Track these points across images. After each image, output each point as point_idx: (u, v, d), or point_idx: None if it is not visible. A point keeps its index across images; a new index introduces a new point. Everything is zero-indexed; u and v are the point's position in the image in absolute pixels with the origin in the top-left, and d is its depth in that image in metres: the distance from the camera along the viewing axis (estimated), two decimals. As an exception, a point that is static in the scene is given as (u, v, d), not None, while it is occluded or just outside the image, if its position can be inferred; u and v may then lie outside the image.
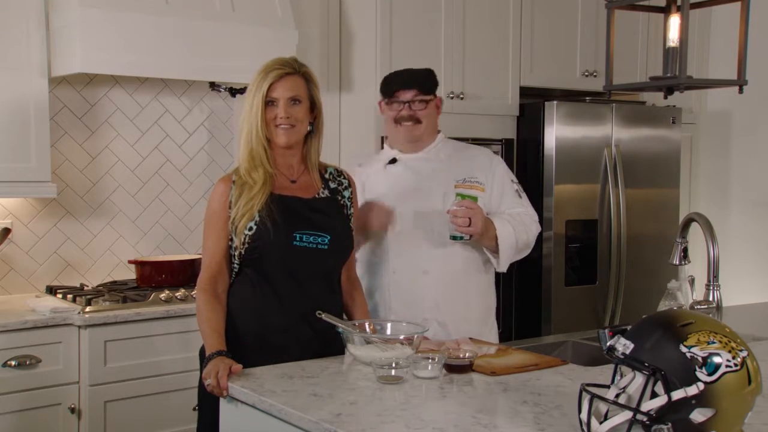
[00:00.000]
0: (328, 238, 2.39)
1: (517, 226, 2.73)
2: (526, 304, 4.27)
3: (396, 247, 2.77)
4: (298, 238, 2.35)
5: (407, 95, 2.77)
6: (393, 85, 2.80)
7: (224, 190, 2.36)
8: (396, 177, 2.82)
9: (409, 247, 2.76)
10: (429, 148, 2.84)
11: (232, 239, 2.35)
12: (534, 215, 2.84)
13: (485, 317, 2.86)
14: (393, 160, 2.85)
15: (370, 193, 2.83)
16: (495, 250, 2.73)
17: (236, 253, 2.35)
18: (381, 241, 2.79)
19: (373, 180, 2.85)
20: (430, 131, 2.83)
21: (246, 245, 2.33)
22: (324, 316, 2.31)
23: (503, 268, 2.78)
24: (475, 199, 2.64)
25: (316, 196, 2.45)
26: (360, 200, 2.76)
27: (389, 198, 2.78)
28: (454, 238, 2.62)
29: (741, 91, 2.39)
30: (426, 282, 2.74)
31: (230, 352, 2.24)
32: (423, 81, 2.80)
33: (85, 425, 3.11)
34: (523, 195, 2.86)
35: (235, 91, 3.91)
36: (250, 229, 2.32)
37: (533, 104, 4.22)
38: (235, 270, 2.38)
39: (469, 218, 2.56)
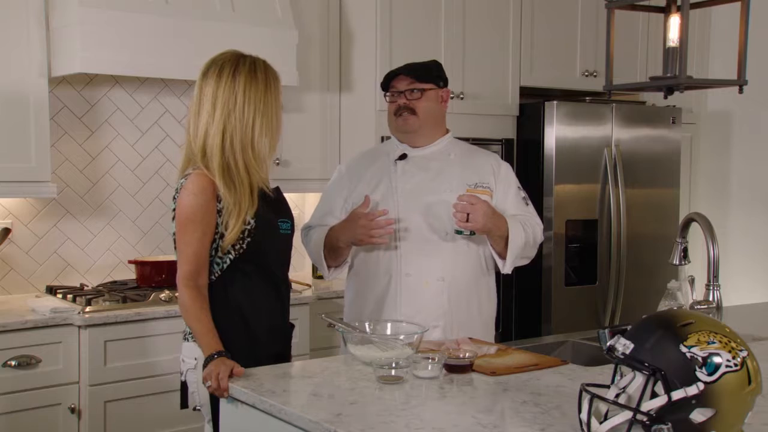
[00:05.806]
0: (290, 222, 2.42)
1: (527, 228, 2.71)
2: (526, 304, 4.27)
3: (409, 249, 2.70)
4: (281, 227, 2.37)
5: (401, 84, 2.72)
6: (389, 75, 2.76)
7: (210, 183, 2.25)
8: (406, 174, 2.76)
9: (423, 251, 2.70)
10: (437, 144, 2.78)
11: (217, 234, 2.27)
12: (540, 224, 2.82)
13: (487, 324, 2.83)
14: (402, 156, 2.78)
15: (374, 191, 2.74)
16: (501, 251, 2.70)
17: (232, 248, 2.27)
18: (390, 242, 2.70)
19: (378, 176, 2.78)
20: (431, 124, 2.75)
21: (249, 238, 2.27)
22: (324, 316, 2.31)
23: (508, 269, 2.74)
24: None
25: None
26: (345, 188, 2.80)
27: (400, 195, 2.73)
28: (457, 232, 2.61)
29: (741, 91, 2.39)
30: (440, 288, 2.69)
31: (243, 350, 2.22)
32: (417, 69, 2.74)
33: (85, 425, 3.11)
34: (530, 203, 2.84)
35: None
36: (248, 223, 2.26)
37: (533, 104, 4.22)
38: (225, 265, 2.30)
39: (468, 213, 2.55)
